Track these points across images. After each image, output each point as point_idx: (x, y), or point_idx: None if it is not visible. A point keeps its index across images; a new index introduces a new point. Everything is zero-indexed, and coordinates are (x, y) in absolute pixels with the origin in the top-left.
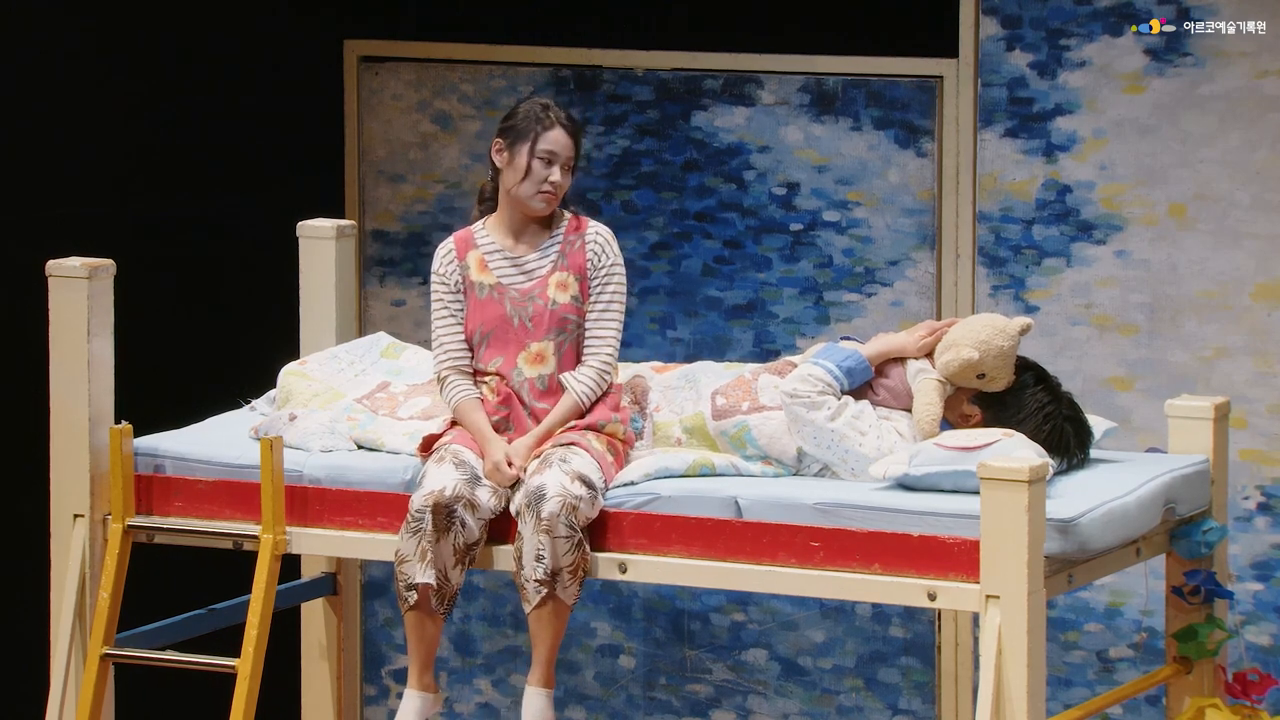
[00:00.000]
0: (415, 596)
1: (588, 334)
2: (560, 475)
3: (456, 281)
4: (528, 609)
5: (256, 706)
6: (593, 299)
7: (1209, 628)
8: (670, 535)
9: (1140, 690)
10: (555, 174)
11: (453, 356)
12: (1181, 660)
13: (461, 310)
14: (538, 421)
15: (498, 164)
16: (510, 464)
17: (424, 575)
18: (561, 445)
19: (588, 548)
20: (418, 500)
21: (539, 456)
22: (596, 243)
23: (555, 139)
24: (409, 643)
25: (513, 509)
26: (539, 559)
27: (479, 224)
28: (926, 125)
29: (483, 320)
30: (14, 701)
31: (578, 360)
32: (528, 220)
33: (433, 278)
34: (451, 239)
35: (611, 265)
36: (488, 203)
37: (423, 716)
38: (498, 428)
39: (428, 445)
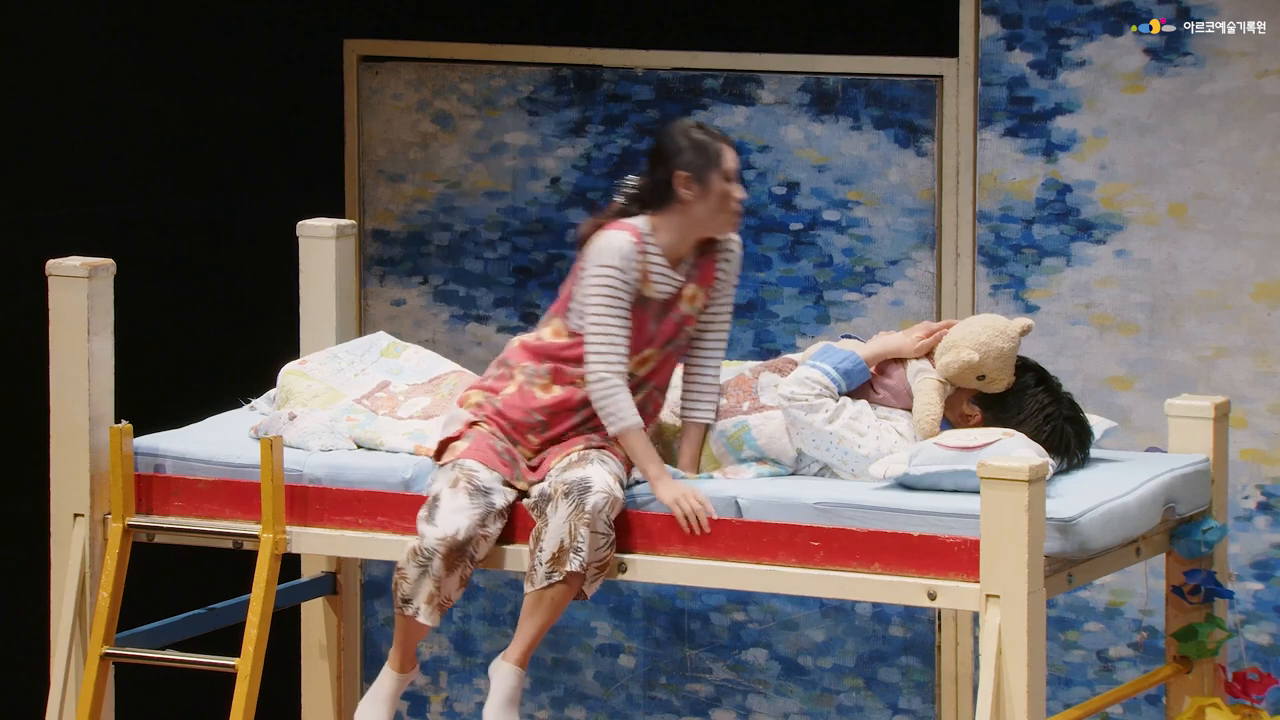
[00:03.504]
0: (411, 610)
1: (706, 344)
2: (604, 473)
3: (635, 278)
4: (529, 588)
5: (256, 706)
6: (714, 308)
7: (1209, 627)
8: (670, 535)
9: (1140, 690)
10: (740, 190)
11: (622, 361)
12: (1181, 660)
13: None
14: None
15: (686, 197)
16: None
17: (427, 617)
18: (595, 447)
19: (614, 544)
20: (430, 539)
21: (575, 453)
22: (734, 254)
23: (731, 156)
24: (396, 632)
25: (530, 500)
26: (566, 546)
27: (645, 226)
28: (926, 125)
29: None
30: (14, 701)
31: (672, 366)
32: (698, 240)
33: (610, 270)
34: (631, 235)
35: (736, 276)
36: (644, 205)
37: (397, 696)
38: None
39: (442, 449)
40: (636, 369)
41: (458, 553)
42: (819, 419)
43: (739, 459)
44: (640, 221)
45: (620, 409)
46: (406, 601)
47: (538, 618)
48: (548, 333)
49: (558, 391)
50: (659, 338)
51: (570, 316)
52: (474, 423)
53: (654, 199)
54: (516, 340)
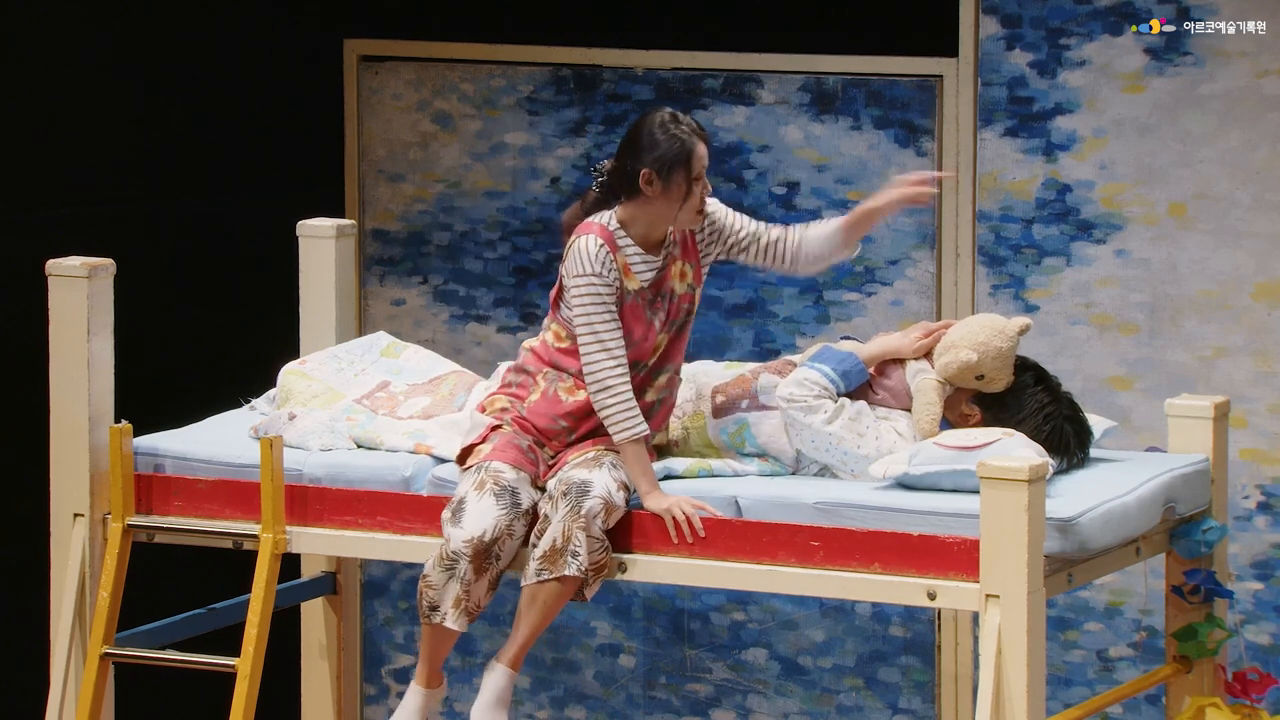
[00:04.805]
0: (439, 618)
1: (754, 234)
2: (608, 479)
3: (614, 278)
4: (523, 583)
5: (256, 706)
6: (726, 228)
7: (1209, 627)
8: (670, 535)
9: (1140, 689)
10: (706, 187)
11: (620, 364)
12: (1181, 659)
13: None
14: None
15: (649, 194)
16: (682, 508)
17: (455, 621)
18: (609, 450)
19: (610, 549)
20: (457, 541)
21: (589, 454)
22: (713, 216)
23: (702, 154)
24: (424, 646)
25: (544, 496)
26: (559, 546)
27: (612, 222)
28: (926, 125)
29: (628, 328)
30: (14, 701)
31: (683, 342)
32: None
33: (588, 279)
34: (598, 235)
35: (726, 216)
36: (614, 195)
37: (426, 714)
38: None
39: (466, 454)
40: (649, 358)
41: (484, 554)
42: (818, 420)
43: (741, 454)
44: (608, 217)
45: (622, 418)
46: (433, 609)
47: (531, 618)
48: (550, 336)
49: (582, 396)
50: (665, 324)
51: (560, 314)
52: (497, 426)
53: (621, 190)
54: (527, 346)
